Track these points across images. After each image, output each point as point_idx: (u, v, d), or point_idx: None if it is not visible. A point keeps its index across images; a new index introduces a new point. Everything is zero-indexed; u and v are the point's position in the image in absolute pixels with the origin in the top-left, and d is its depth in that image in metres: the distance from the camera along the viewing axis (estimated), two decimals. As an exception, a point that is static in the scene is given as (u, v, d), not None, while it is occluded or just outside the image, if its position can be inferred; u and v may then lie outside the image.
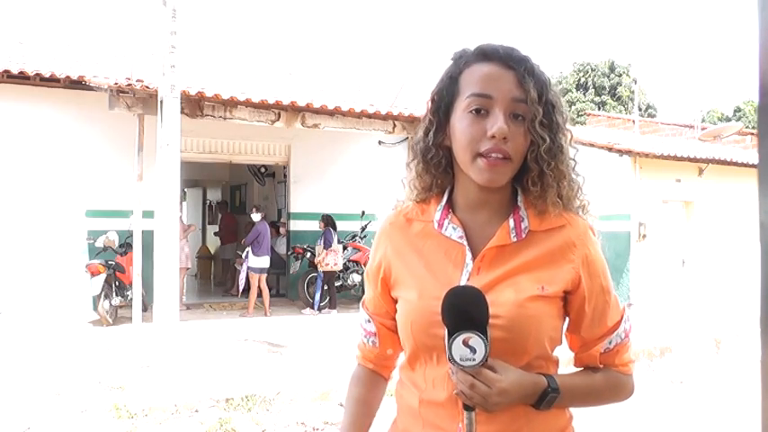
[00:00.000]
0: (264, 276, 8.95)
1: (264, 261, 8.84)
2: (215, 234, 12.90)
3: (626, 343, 1.17)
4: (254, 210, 9.15)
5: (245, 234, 9.53)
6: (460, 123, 1.09)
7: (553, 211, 1.12)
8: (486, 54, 1.11)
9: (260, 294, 8.85)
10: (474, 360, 0.96)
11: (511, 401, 1.03)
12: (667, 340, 7.36)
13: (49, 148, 8.55)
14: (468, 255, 1.12)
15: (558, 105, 1.11)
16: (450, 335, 0.97)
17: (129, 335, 7.13)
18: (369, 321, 1.27)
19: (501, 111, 1.06)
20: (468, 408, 1.01)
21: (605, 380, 1.17)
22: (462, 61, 1.13)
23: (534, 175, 1.10)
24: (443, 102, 1.14)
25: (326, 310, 9.01)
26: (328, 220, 9.12)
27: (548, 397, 1.06)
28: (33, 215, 8.44)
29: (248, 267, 8.81)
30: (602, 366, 1.17)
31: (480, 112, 1.07)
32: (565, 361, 1.19)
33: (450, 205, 1.18)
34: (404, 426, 1.19)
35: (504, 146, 1.06)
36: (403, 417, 1.20)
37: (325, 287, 9.09)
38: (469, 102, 1.08)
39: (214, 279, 13.37)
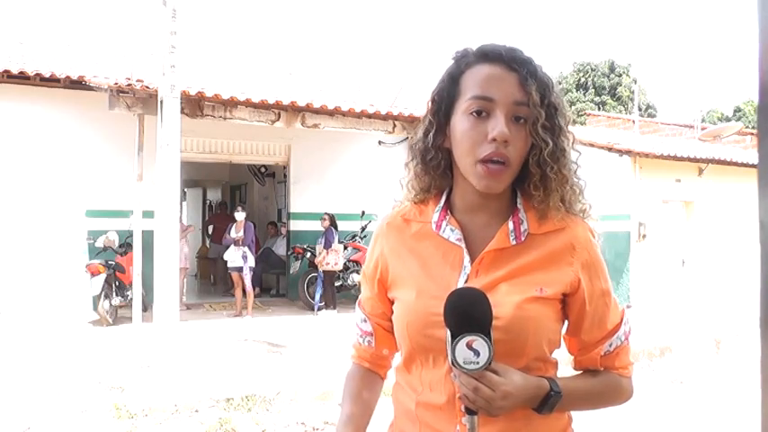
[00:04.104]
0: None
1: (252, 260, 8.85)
2: (209, 235, 12.85)
3: (626, 345, 1.17)
4: (239, 208, 9.08)
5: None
6: (461, 126, 1.08)
7: (555, 215, 1.11)
8: (487, 55, 1.09)
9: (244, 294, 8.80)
10: (478, 363, 0.95)
11: (514, 405, 1.01)
12: (667, 340, 7.37)
13: (49, 148, 8.55)
14: (467, 257, 1.11)
15: (560, 108, 1.10)
16: (453, 337, 0.95)
17: (129, 335, 7.13)
18: (365, 321, 1.26)
19: (502, 113, 1.05)
20: (470, 411, 0.99)
21: (605, 383, 1.16)
22: (464, 62, 1.12)
23: (536, 179, 1.09)
24: (444, 103, 1.12)
25: (326, 310, 9.00)
26: (332, 219, 9.12)
27: (550, 400, 1.05)
28: (33, 215, 8.43)
29: (246, 267, 8.75)
30: (602, 369, 1.16)
31: (481, 115, 1.06)
32: (563, 362, 1.18)
33: (449, 206, 1.17)
34: (401, 428, 1.18)
35: (504, 150, 1.04)
36: (400, 419, 1.19)
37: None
38: (470, 104, 1.07)
39: (213, 279, 13.36)
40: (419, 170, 1.18)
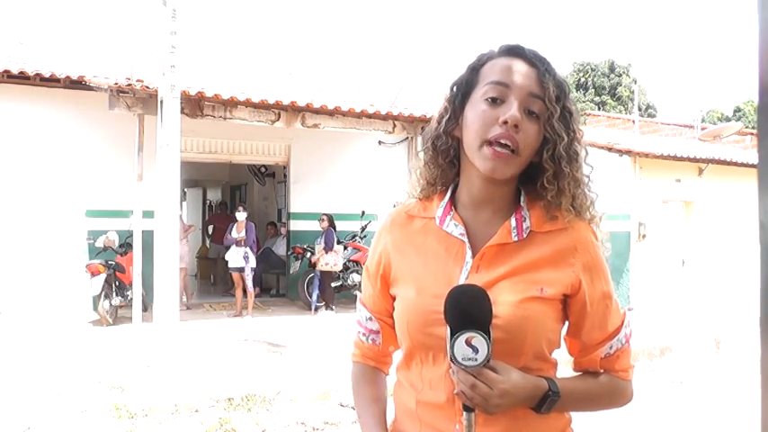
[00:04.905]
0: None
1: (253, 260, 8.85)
2: (209, 235, 12.85)
3: (626, 348, 1.16)
4: (240, 208, 9.07)
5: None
6: (474, 110, 1.10)
7: (566, 216, 1.11)
8: (510, 49, 1.12)
9: (244, 294, 8.80)
10: (476, 360, 0.96)
11: (512, 403, 1.02)
12: (667, 340, 7.36)
13: (49, 148, 8.54)
14: (468, 252, 1.11)
15: (575, 115, 1.11)
16: (452, 334, 0.96)
17: (129, 335, 7.13)
18: (370, 319, 1.25)
19: (516, 100, 1.06)
20: (467, 408, 1.00)
21: (605, 385, 1.16)
22: (486, 55, 1.14)
23: (550, 174, 1.10)
24: (461, 91, 1.14)
25: (325, 310, 9.00)
26: (330, 220, 9.11)
27: (548, 400, 1.05)
28: (33, 215, 8.43)
29: (248, 267, 8.74)
30: (601, 371, 1.17)
31: (496, 102, 1.07)
32: (563, 362, 1.18)
33: (453, 202, 1.18)
34: (402, 427, 1.18)
35: (515, 134, 1.05)
36: (401, 418, 1.19)
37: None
38: (486, 89, 1.09)
39: (213, 279, 13.37)
40: (428, 157, 1.19)
